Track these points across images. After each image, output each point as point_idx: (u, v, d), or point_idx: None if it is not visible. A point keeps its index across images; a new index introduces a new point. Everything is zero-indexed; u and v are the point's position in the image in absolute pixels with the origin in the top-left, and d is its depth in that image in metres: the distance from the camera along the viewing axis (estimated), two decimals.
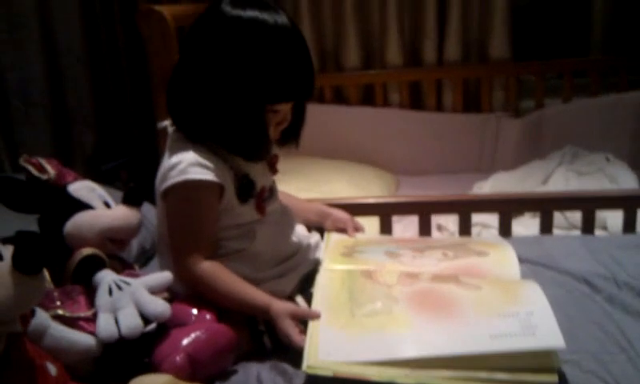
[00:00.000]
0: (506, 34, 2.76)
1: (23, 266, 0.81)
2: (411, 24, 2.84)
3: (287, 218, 1.27)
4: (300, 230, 1.29)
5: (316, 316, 1.01)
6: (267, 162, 1.24)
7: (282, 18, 1.08)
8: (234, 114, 1.09)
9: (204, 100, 1.10)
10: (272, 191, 1.24)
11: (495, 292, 1.07)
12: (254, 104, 1.09)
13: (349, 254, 1.25)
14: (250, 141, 1.12)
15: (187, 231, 1.11)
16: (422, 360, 0.92)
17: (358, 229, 1.39)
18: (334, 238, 1.34)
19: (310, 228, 1.34)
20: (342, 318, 1.01)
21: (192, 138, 1.12)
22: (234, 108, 1.09)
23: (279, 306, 1.05)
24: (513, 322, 0.97)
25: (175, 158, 1.10)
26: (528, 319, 0.97)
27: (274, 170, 1.25)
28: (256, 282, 1.12)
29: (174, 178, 1.09)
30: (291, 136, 1.20)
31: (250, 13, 1.07)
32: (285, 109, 1.13)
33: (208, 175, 1.09)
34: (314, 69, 1.13)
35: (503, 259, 1.23)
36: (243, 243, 1.16)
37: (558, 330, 0.95)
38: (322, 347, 0.95)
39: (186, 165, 1.09)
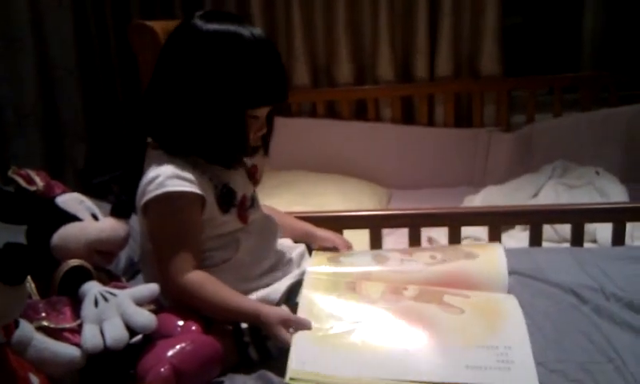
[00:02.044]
0: (496, 49, 2.79)
1: (5, 276, 0.80)
2: (403, 40, 2.86)
3: (270, 226, 1.28)
4: (286, 242, 1.30)
5: (307, 326, 1.02)
6: (246, 171, 1.25)
7: (256, 30, 1.13)
8: (217, 122, 1.12)
9: (185, 113, 1.12)
10: (253, 200, 1.25)
11: (477, 318, 1.08)
12: (236, 110, 1.12)
13: (335, 258, 1.26)
14: (231, 148, 1.15)
15: (172, 243, 1.11)
16: (395, 382, 0.92)
17: (347, 247, 1.38)
18: (320, 253, 1.34)
19: (296, 241, 1.35)
20: (320, 331, 1.02)
21: (172, 151, 1.14)
22: (217, 117, 1.11)
23: (270, 312, 1.05)
24: (490, 355, 0.98)
25: (153, 172, 1.11)
26: (505, 354, 0.99)
27: (254, 180, 1.27)
28: (243, 293, 1.13)
29: (153, 191, 1.10)
30: (260, 145, 1.23)
31: (226, 26, 1.12)
32: (263, 115, 1.16)
33: (186, 187, 1.10)
34: (287, 77, 1.20)
35: (491, 261, 1.23)
36: (228, 253, 1.17)
37: (533, 369, 0.96)
38: (297, 356, 0.95)
39: (164, 178, 1.10)
